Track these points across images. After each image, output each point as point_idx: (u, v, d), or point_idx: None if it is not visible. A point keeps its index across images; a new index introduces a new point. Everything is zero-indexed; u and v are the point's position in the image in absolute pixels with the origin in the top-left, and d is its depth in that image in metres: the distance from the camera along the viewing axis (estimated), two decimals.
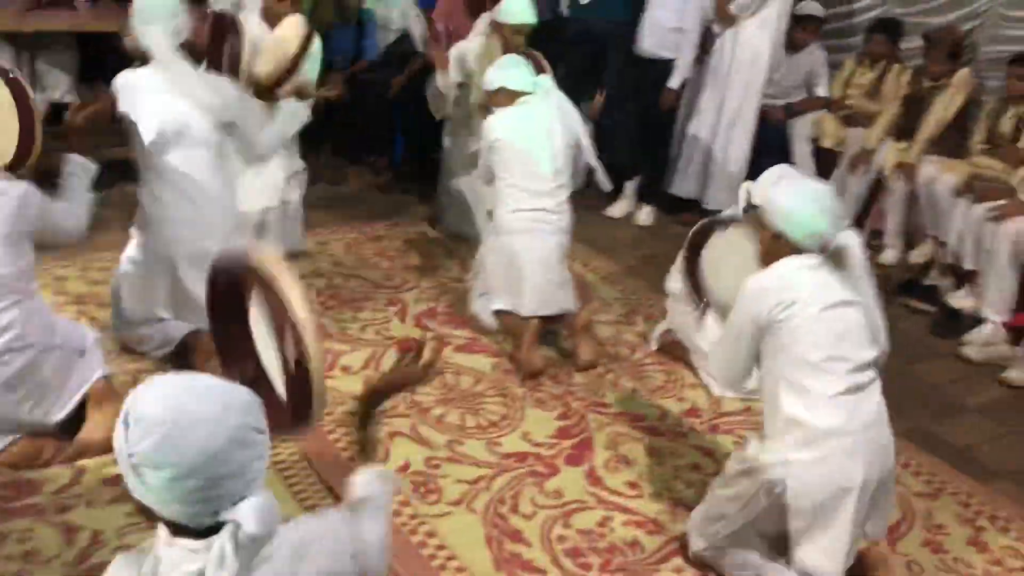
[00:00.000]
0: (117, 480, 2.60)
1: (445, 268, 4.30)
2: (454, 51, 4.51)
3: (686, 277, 3.35)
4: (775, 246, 2.36)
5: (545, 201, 3.47)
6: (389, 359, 3.41)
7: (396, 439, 2.99)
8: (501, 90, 3.55)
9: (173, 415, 1.25)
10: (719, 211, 5.07)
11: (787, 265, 2.32)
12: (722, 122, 5.02)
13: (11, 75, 2.62)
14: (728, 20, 4.85)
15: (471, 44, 4.43)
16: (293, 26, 3.57)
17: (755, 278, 2.36)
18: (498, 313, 3.56)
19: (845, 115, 5.20)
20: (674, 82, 4.77)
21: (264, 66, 3.48)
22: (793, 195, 2.34)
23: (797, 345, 2.25)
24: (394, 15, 5.21)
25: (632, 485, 2.87)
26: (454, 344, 3.58)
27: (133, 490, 1.30)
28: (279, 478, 2.72)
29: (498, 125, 3.49)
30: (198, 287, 2.51)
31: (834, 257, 2.32)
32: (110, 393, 2.68)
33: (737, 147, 5.01)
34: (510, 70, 3.56)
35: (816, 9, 5.18)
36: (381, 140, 5.29)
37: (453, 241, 4.56)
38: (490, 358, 3.51)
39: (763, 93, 5.07)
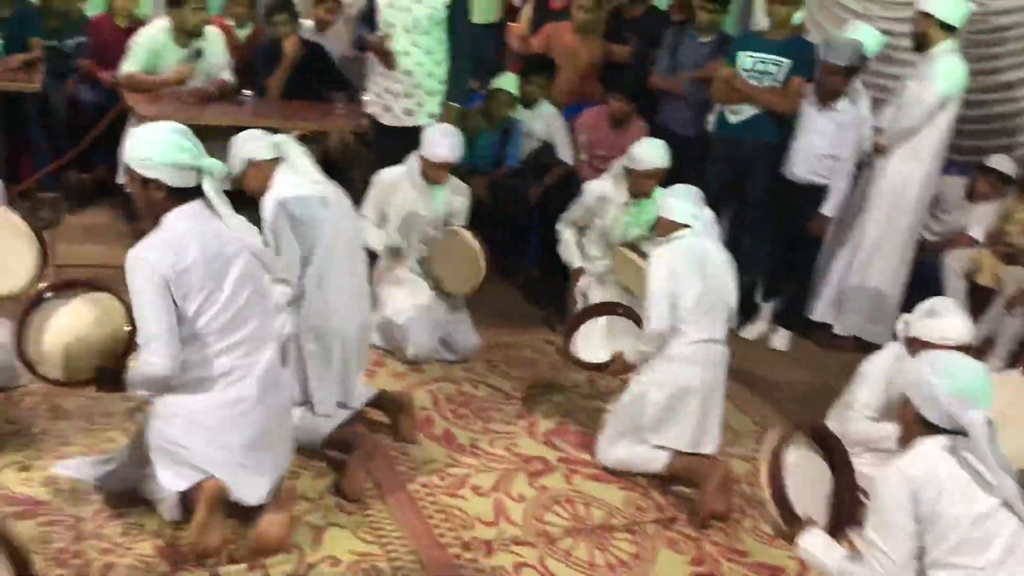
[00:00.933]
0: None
1: (575, 384, 4.23)
2: (593, 187, 4.52)
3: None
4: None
5: (717, 332, 3.40)
6: (520, 481, 3.35)
7: (523, 570, 2.90)
8: (661, 219, 3.51)
9: None
10: (853, 337, 4.94)
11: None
12: (859, 254, 4.87)
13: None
14: (879, 150, 4.73)
15: (607, 186, 4.43)
16: None
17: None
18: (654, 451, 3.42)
19: (1004, 252, 4.96)
20: (828, 209, 4.66)
21: None
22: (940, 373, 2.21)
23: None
24: (538, 125, 5.28)
25: None
26: (584, 472, 3.49)
27: None
28: None
29: (668, 264, 3.36)
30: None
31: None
32: (291, 491, 2.71)
33: (876, 277, 4.84)
34: (674, 200, 3.49)
35: (1008, 167, 5.03)
36: (517, 245, 5.31)
37: None
38: (623, 490, 3.40)
39: (920, 227, 4.93)
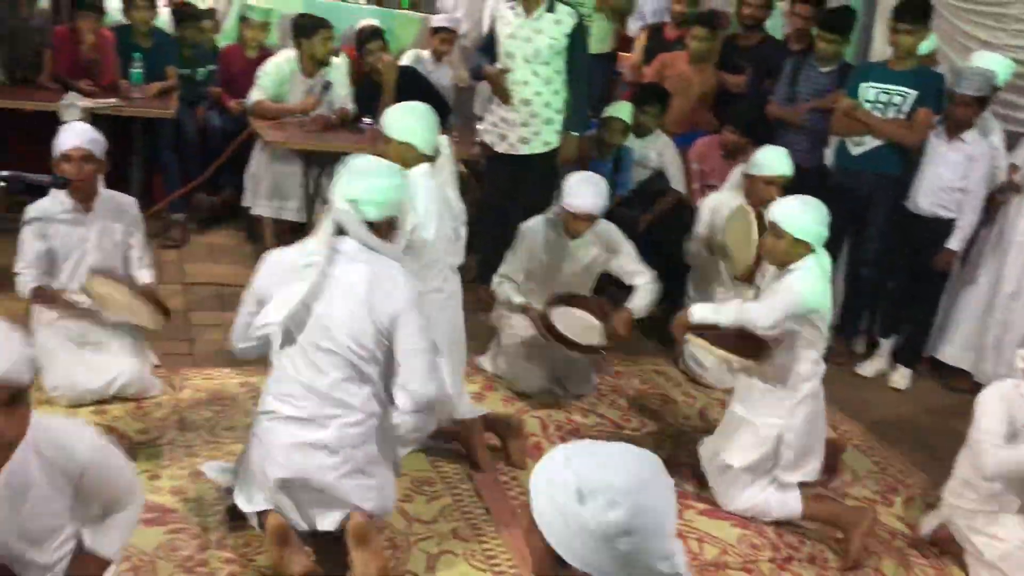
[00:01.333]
0: None
1: (684, 414, 4.17)
2: (708, 201, 4.49)
3: None
4: None
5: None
6: None
7: None
8: (788, 235, 3.18)
9: (634, 483, 1.36)
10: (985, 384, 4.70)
11: None
12: (1000, 293, 4.64)
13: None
14: (1014, 188, 4.53)
15: (723, 197, 4.38)
16: None
17: None
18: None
19: None
20: (955, 243, 4.49)
21: None
22: None
23: None
24: (651, 153, 5.26)
25: None
26: (696, 507, 3.41)
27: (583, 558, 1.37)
28: None
29: (812, 293, 3.16)
30: None
31: None
32: (372, 528, 2.70)
33: (1019, 320, 4.59)
34: (809, 220, 3.20)
35: None
36: None
37: (692, 385, 4.44)
38: (736, 527, 3.31)
39: None
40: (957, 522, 3.23)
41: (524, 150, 4.58)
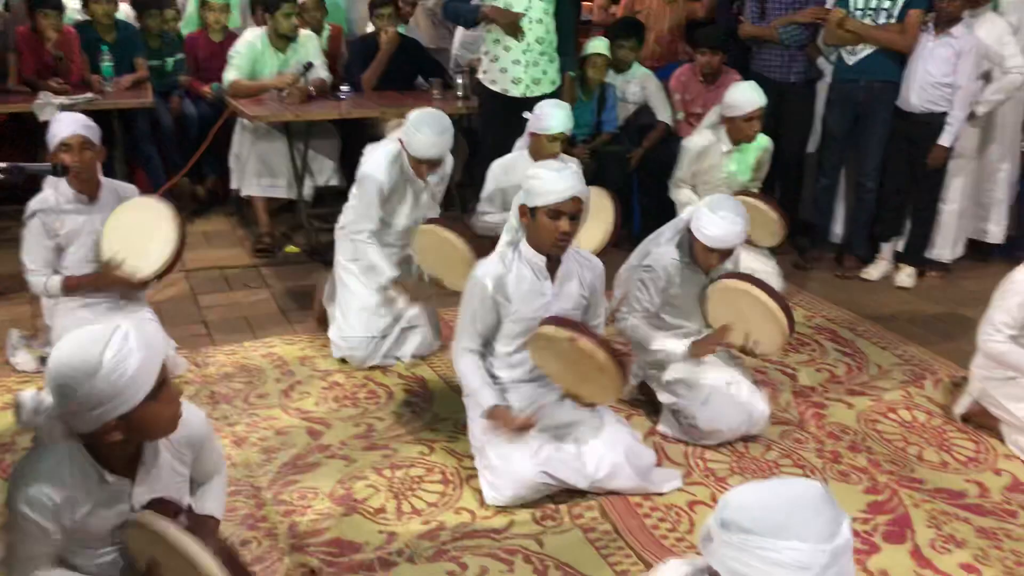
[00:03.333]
0: (433, 536, 2.66)
1: None
2: (692, 142, 4.47)
3: None
4: None
5: None
6: None
7: (697, 507, 2.87)
8: None
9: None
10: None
11: None
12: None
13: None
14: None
15: (706, 138, 4.36)
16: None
17: None
18: None
19: None
20: (946, 139, 4.53)
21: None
22: None
23: None
24: (632, 88, 5.26)
25: (968, 568, 2.61)
26: None
27: None
28: (586, 540, 2.67)
29: None
30: None
31: None
32: None
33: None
34: None
35: None
36: (621, 210, 5.27)
37: None
38: (776, 425, 3.34)
39: None
40: (991, 393, 3.28)
41: (537, 91, 4.51)
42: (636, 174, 5.26)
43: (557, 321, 2.72)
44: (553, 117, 3.93)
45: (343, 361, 3.76)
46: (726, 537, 1.32)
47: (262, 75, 5.08)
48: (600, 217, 3.84)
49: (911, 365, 3.90)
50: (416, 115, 3.57)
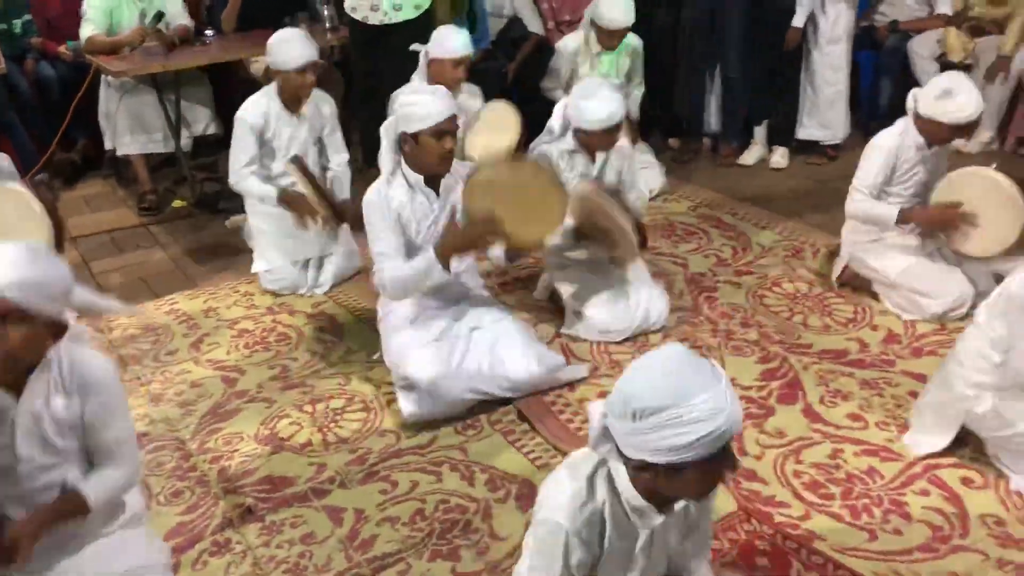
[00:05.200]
0: (362, 460, 2.76)
1: None
2: (564, 44, 4.55)
3: None
4: None
5: None
6: None
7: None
8: None
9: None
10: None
11: None
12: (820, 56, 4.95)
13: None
14: None
15: (574, 39, 4.47)
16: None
17: None
18: None
19: (971, 26, 5.06)
20: (798, 20, 4.72)
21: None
22: None
23: None
24: (503, 1, 5.27)
25: (854, 418, 2.87)
26: None
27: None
28: (506, 443, 2.82)
29: None
30: None
31: None
32: None
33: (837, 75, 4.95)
34: None
35: None
36: None
37: None
38: (675, 312, 3.54)
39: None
40: (860, 256, 3.54)
41: (398, 17, 4.45)
42: (515, 88, 5.31)
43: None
44: (455, 39, 3.92)
45: (251, 307, 3.80)
46: (641, 425, 1.46)
47: (120, 27, 4.87)
48: (505, 127, 3.91)
49: (790, 240, 4.14)
50: (272, 37, 3.69)
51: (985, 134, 5.03)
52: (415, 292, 2.94)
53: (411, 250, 2.91)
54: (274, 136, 3.77)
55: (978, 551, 2.30)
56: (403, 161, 2.89)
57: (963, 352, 2.55)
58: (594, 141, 3.28)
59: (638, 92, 4.68)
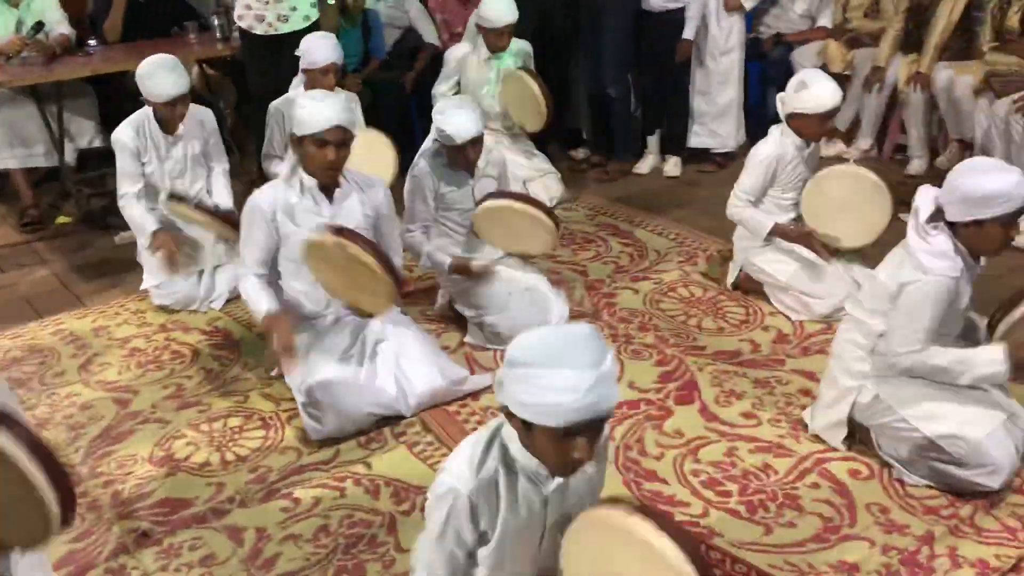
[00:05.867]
0: (262, 479, 2.71)
1: None
2: (453, 52, 4.59)
3: None
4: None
5: None
6: None
7: None
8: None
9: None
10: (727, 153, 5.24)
11: None
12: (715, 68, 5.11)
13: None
14: None
15: (465, 47, 4.53)
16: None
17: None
18: None
19: (849, 38, 5.31)
20: (689, 33, 4.85)
21: None
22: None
23: None
24: (396, 12, 5.26)
25: (748, 416, 2.97)
26: None
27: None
28: (411, 454, 2.81)
29: None
30: None
31: None
32: None
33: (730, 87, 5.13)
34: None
35: None
36: (401, 137, 5.31)
37: None
38: (575, 319, 3.59)
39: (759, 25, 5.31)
40: (751, 260, 3.67)
41: (284, 28, 4.40)
42: (414, 98, 5.31)
43: (332, 229, 2.75)
44: (319, 49, 3.93)
45: (143, 324, 3.68)
46: (512, 373, 1.54)
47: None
48: (380, 155, 3.93)
49: (684, 246, 4.26)
50: (142, 64, 3.58)
51: (865, 142, 5.28)
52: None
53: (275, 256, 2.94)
54: (152, 156, 3.71)
55: (866, 539, 2.41)
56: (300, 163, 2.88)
57: (839, 346, 2.70)
58: (455, 155, 3.33)
59: None
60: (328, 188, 2.90)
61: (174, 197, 3.58)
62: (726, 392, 3.10)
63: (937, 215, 2.45)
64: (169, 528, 2.54)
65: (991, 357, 2.43)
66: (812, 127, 3.44)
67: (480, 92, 4.46)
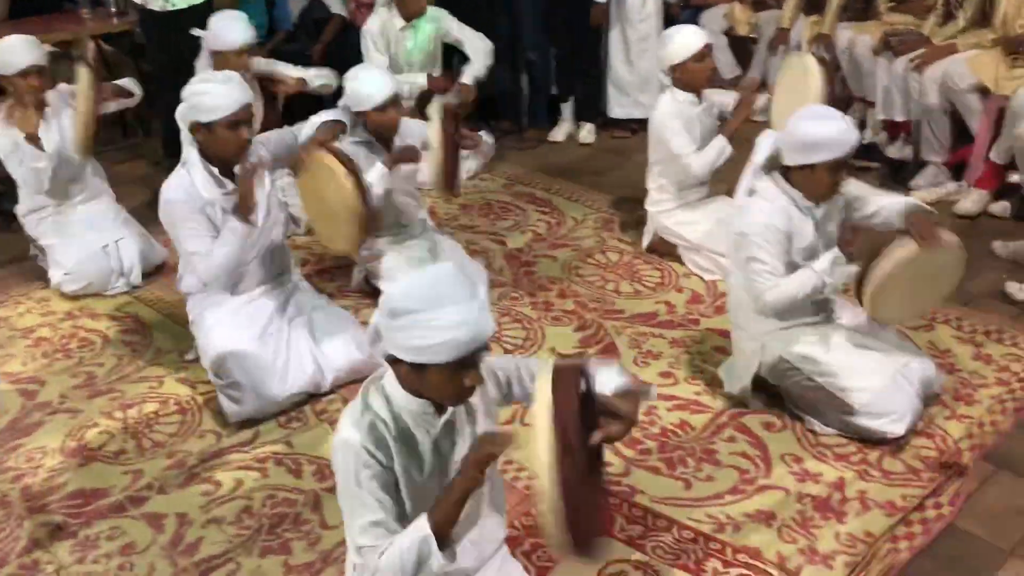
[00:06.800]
0: (181, 464, 2.66)
1: None
2: (363, 28, 4.52)
3: None
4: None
5: None
6: None
7: None
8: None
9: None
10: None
11: None
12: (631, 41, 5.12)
13: None
14: None
15: (376, 19, 4.46)
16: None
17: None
18: None
19: (754, 1, 5.39)
20: None
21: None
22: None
23: None
24: None
25: (665, 375, 3.03)
26: None
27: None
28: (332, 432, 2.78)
29: None
30: None
31: None
32: None
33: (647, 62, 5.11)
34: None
35: None
36: (310, 110, 5.21)
37: None
38: (496, 288, 3.60)
39: None
40: (664, 224, 3.73)
41: (181, 4, 4.25)
42: (321, 67, 5.19)
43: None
44: (234, 30, 3.80)
45: (48, 313, 3.55)
46: (396, 323, 1.58)
47: None
48: None
49: (600, 212, 4.29)
50: None
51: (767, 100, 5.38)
52: (236, 265, 2.83)
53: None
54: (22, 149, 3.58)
55: (781, 488, 2.50)
56: (197, 150, 2.78)
57: (732, 307, 2.79)
58: (375, 122, 3.28)
59: (477, 61, 4.50)
60: (229, 168, 2.81)
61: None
62: (644, 353, 3.15)
63: (775, 160, 2.58)
64: (85, 519, 2.48)
65: (825, 256, 2.53)
66: (695, 73, 3.52)
67: (401, 64, 4.40)
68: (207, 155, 2.77)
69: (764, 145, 2.60)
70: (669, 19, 5.49)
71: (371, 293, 3.54)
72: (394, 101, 3.27)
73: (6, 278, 3.87)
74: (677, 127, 3.55)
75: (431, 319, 1.55)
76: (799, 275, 2.55)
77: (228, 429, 2.83)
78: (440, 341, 1.55)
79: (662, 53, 3.55)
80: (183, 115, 2.76)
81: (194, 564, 2.31)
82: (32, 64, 3.46)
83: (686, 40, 3.48)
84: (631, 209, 4.21)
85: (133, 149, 5.02)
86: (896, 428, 2.58)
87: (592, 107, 5.26)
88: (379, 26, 4.46)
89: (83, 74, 3.43)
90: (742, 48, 5.42)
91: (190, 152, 2.80)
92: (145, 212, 3.93)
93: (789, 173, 2.56)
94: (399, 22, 4.39)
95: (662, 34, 3.61)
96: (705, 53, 3.52)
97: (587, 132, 5.24)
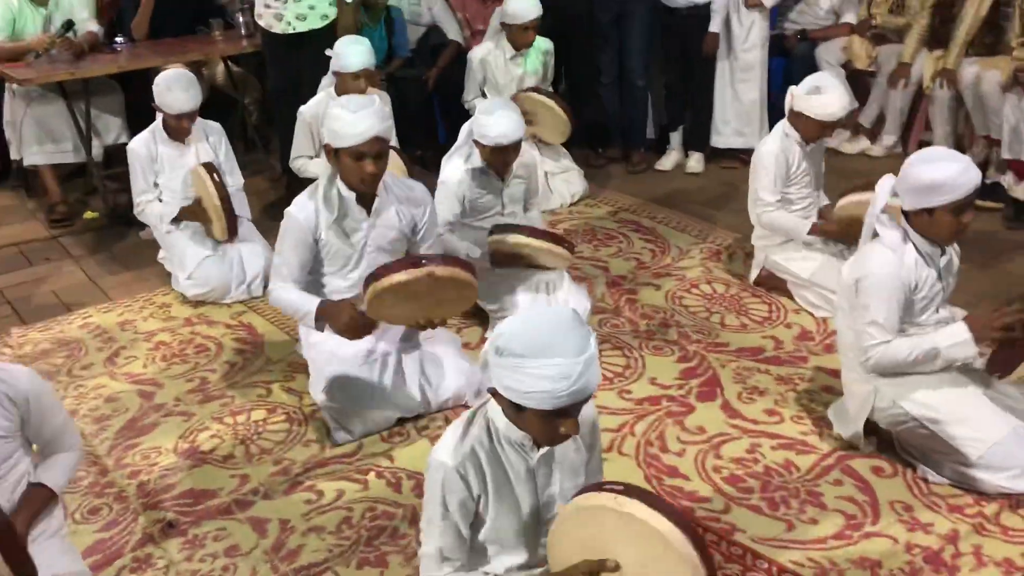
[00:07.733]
0: (286, 472, 2.74)
1: None
2: (476, 52, 4.63)
3: None
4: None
5: None
6: None
7: None
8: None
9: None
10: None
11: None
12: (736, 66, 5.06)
13: None
14: None
15: (489, 45, 4.58)
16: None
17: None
18: None
19: (874, 35, 5.27)
20: (715, 26, 4.83)
21: None
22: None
23: None
24: (421, 9, 5.28)
25: (770, 412, 2.95)
26: None
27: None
28: None
29: None
30: None
31: None
32: None
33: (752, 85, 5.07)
34: None
35: None
36: (424, 133, 5.34)
37: None
38: (597, 315, 3.59)
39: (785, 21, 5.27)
40: (772, 258, 3.66)
41: (303, 27, 4.43)
42: (436, 95, 5.32)
43: (396, 267, 2.59)
44: (352, 55, 3.90)
45: (168, 319, 3.72)
46: (501, 361, 1.57)
47: (24, 34, 4.73)
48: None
49: (707, 243, 4.24)
50: (161, 76, 3.73)
51: (889, 139, 5.24)
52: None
53: (319, 264, 2.89)
54: (162, 167, 3.83)
55: (889, 536, 2.40)
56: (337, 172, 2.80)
57: (842, 349, 2.69)
58: (495, 158, 3.32)
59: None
60: (366, 198, 2.82)
61: (208, 165, 3.72)
62: (748, 389, 3.09)
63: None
64: (194, 519, 2.57)
65: (952, 332, 2.44)
66: (812, 130, 3.45)
67: (508, 93, 4.47)
68: (342, 178, 2.77)
69: (884, 190, 2.51)
70: (785, 50, 5.43)
71: (475, 313, 3.58)
72: (517, 145, 3.30)
73: (130, 283, 4.08)
74: (771, 169, 3.50)
75: (534, 367, 1.54)
76: (914, 341, 2.47)
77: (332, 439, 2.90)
78: (539, 390, 1.56)
79: (802, 96, 3.38)
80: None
81: (293, 570, 2.37)
82: (189, 109, 3.71)
83: (830, 106, 3.35)
84: (739, 241, 4.15)
85: (254, 164, 5.22)
86: (1017, 485, 2.45)
87: (701, 136, 5.22)
88: (483, 55, 4.59)
89: (201, 174, 3.66)
90: (860, 82, 5.29)
91: (329, 174, 2.82)
92: (262, 225, 4.08)
93: (909, 218, 2.47)
94: (508, 51, 4.49)
95: (814, 80, 3.41)
96: (836, 126, 3.45)
97: (695, 161, 5.20)
